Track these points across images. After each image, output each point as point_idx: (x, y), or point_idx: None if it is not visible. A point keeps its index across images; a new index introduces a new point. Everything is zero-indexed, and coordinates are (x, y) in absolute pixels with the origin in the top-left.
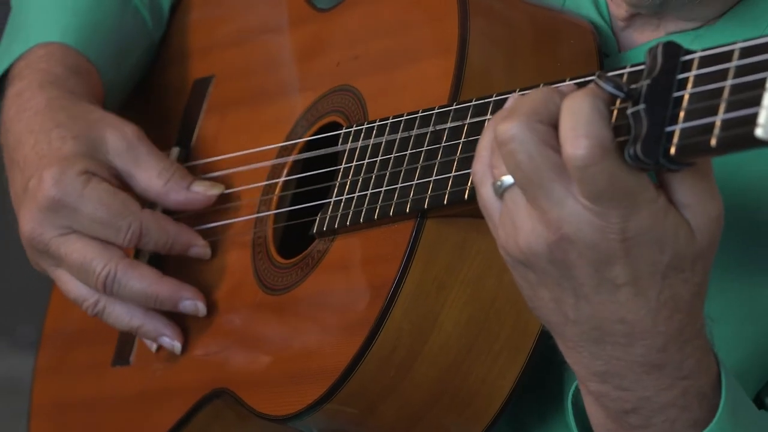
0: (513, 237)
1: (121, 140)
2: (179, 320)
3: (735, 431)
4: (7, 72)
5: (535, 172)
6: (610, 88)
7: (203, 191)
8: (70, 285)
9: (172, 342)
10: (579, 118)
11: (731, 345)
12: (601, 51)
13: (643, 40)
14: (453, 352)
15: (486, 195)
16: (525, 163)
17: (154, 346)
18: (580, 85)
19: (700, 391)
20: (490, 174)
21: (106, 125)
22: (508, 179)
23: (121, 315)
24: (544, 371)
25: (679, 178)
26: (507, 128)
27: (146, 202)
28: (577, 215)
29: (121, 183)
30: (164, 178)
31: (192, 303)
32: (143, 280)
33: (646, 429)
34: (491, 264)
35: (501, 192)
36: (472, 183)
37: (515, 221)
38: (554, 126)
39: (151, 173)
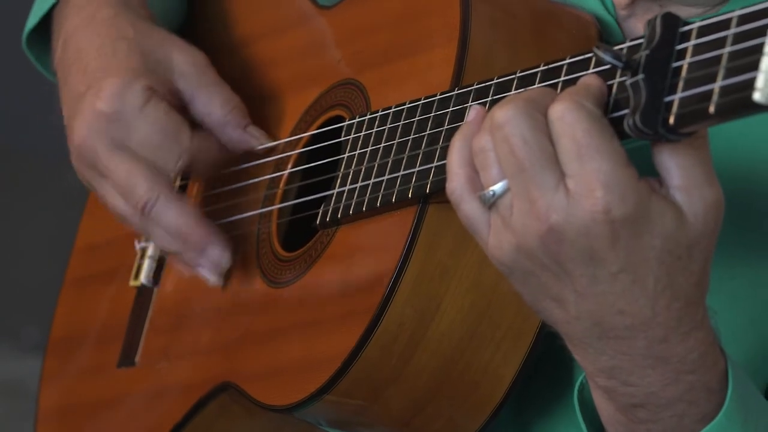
0: (506, 240)
1: (188, 63)
2: (186, 315)
3: (744, 425)
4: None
5: (527, 156)
6: (609, 58)
7: (258, 135)
8: (116, 200)
9: (222, 253)
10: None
11: (740, 336)
12: (603, 40)
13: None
14: (455, 338)
15: (469, 210)
16: (519, 147)
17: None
18: (578, 63)
19: (707, 386)
20: (470, 190)
21: (174, 46)
22: (498, 187)
23: (171, 215)
24: (548, 362)
25: (677, 161)
26: (503, 112)
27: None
28: (566, 201)
29: (180, 108)
30: (227, 108)
31: (218, 252)
32: (181, 217)
33: (654, 423)
34: None
35: (492, 202)
36: (451, 201)
37: (507, 224)
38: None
39: (216, 99)
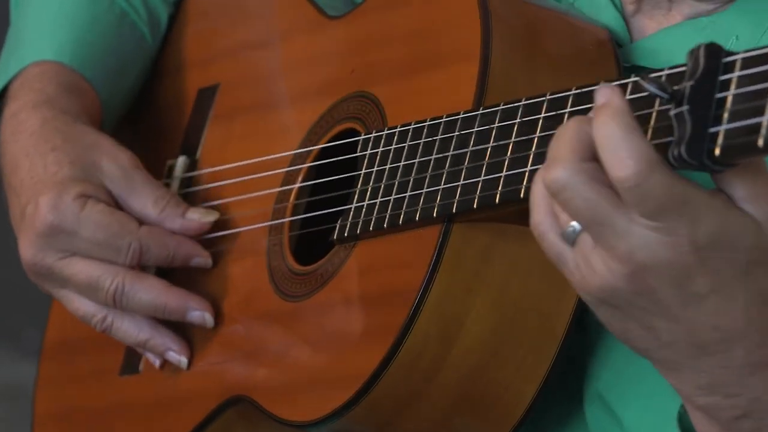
0: (591, 279)
1: (116, 168)
2: (193, 329)
3: None
4: (6, 90)
5: (594, 213)
6: (654, 89)
7: (198, 218)
8: (77, 303)
9: (179, 357)
10: (615, 141)
11: None
12: (618, 55)
13: (654, 27)
14: (478, 356)
15: (553, 243)
16: (583, 208)
17: (158, 362)
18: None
19: None
20: (554, 222)
21: (101, 152)
22: (578, 224)
23: (130, 329)
24: (566, 369)
25: (732, 175)
26: (555, 178)
27: None
28: (646, 239)
29: (117, 206)
30: (159, 207)
31: (200, 314)
32: (151, 291)
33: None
34: (517, 269)
35: (574, 238)
36: (535, 235)
37: (590, 263)
38: (596, 158)
39: (146, 201)
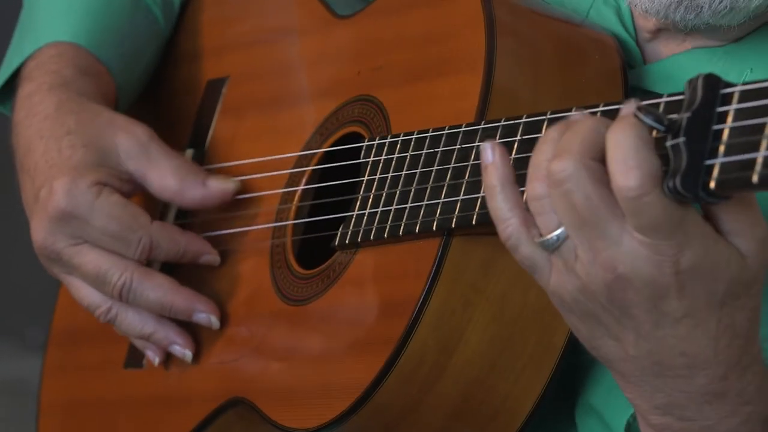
0: (568, 283)
1: (132, 142)
2: (195, 327)
3: None
4: (19, 70)
5: (590, 212)
6: (650, 121)
7: (219, 186)
8: (84, 292)
9: (183, 350)
10: (627, 149)
11: None
12: (625, 68)
13: (668, 52)
14: (476, 369)
15: (529, 253)
16: (581, 204)
17: (157, 360)
18: (613, 111)
19: (763, 416)
20: (526, 233)
21: (116, 128)
22: (561, 232)
23: (134, 322)
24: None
25: (724, 207)
26: (561, 168)
27: (159, 204)
28: (633, 252)
29: (135, 187)
30: (179, 177)
31: (206, 316)
32: (159, 289)
33: None
34: (516, 281)
35: (556, 246)
36: (507, 245)
37: (571, 266)
38: (603, 160)
39: (165, 172)
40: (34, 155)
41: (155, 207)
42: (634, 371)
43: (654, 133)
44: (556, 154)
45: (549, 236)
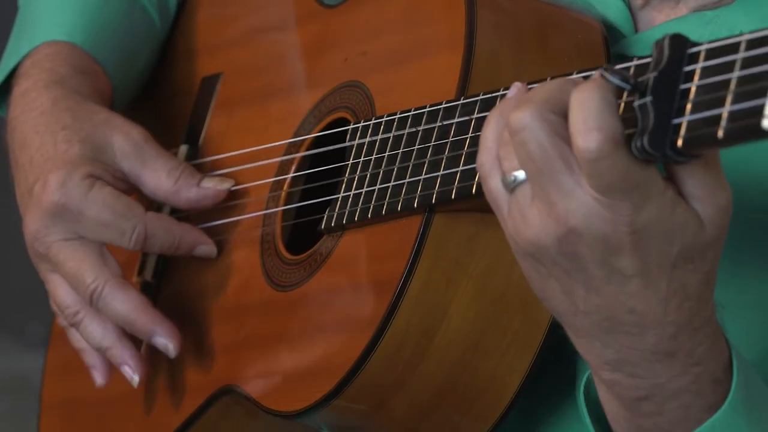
0: (522, 230)
1: (127, 143)
2: (192, 319)
3: (749, 413)
4: (15, 71)
5: (545, 163)
6: (616, 81)
7: (213, 186)
8: (60, 290)
9: (132, 374)
10: (589, 111)
11: (750, 331)
12: (608, 46)
13: (663, 18)
14: (461, 347)
15: (494, 187)
16: (536, 154)
17: (99, 379)
18: (587, 78)
19: (712, 377)
20: (498, 166)
21: (112, 128)
22: (520, 174)
23: (96, 332)
24: (555, 362)
25: (688, 170)
26: (519, 117)
27: (153, 205)
28: (586, 207)
29: (128, 186)
30: (173, 177)
31: (164, 342)
32: (127, 303)
33: (660, 416)
34: (500, 259)
35: (513, 187)
36: (478, 176)
37: (525, 214)
38: (566, 116)
39: (160, 173)
40: (29, 150)
41: (150, 203)
42: (584, 326)
43: (624, 95)
44: (518, 104)
45: (510, 175)
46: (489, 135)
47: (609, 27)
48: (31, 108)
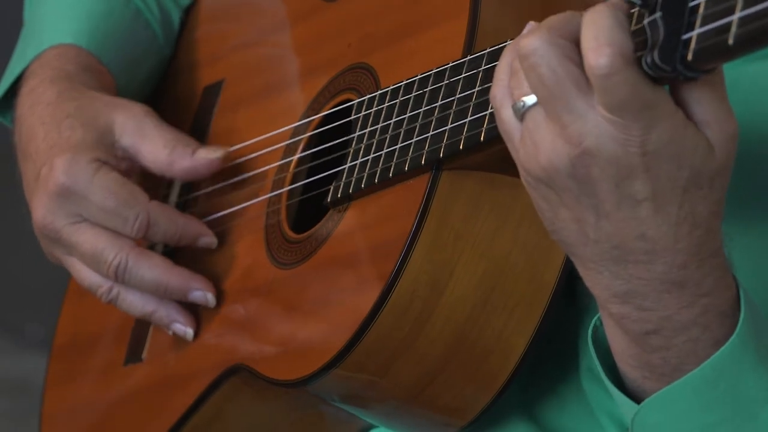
0: (534, 155)
1: (128, 117)
2: (193, 306)
3: (757, 348)
4: (22, 76)
5: (556, 85)
6: None
7: (206, 155)
8: (84, 273)
9: (185, 328)
10: (601, 28)
11: (752, 268)
12: None
13: None
14: (469, 306)
15: (506, 117)
16: (547, 77)
17: (190, 331)
18: None
19: (720, 310)
20: (510, 96)
21: (114, 107)
22: (529, 99)
23: (135, 302)
24: (554, 341)
25: (697, 96)
26: (529, 42)
27: (159, 195)
28: (599, 128)
29: (131, 164)
30: (169, 148)
31: (202, 294)
32: (154, 269)
33: (668, 350)
34: (506, 218)
35: (522, 112)
36: (493, 107)
37: (536, 139)
38: (576, 42)
39: (157, 144)
40: (36, 141)
41: (158, 190)
42: (593, 256)
43: (635, 17)
44: (525, 34)
45: (519, 101)
46: (502, 68)
47: None
48: (38, 102)
